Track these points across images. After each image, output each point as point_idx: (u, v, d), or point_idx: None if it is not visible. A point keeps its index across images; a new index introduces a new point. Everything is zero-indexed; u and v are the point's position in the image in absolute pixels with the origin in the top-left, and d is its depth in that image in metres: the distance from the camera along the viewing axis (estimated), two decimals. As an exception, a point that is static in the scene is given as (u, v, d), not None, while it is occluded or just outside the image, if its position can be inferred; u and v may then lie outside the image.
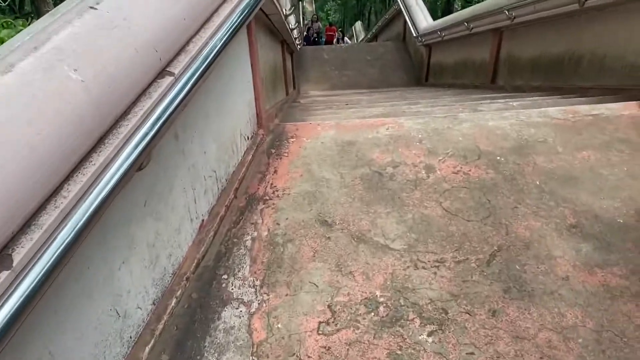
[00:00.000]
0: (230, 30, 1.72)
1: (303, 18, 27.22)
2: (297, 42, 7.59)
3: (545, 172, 2.38)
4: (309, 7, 58.30)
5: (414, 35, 10.25)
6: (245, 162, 2.42)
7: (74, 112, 1.03)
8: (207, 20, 1.70)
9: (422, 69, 10.20)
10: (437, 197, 2.27)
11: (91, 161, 1.09)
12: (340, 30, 22.47)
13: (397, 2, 12.36)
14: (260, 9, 2.69)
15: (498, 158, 2.51)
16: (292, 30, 5.16)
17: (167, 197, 1.64)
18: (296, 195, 2.30)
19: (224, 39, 1.69)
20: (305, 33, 20.76)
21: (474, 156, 2.54)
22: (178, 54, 1.50)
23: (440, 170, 2.44)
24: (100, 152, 1.12)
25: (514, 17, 5.03)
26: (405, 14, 11.29)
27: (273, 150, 2.61)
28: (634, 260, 1.85)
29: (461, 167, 2.46)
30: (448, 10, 27.75)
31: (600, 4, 3.58)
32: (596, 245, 1.92)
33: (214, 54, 1.60)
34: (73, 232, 0.97)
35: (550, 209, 2.16)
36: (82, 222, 1.00)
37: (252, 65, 2.49)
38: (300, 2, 11.83)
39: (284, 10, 3.61)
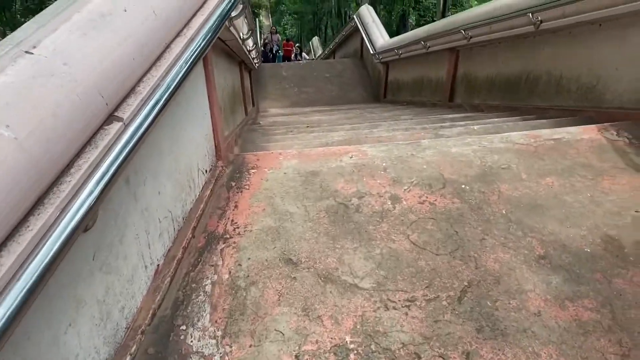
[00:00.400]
0: (185, 66, 1.61)
1: (261, 32, 27.22)
2: (255, 60, 7.49)
3: (511, 200, 2.36)
4: (266, 22, 58.58)
5: (371, 52, 10.34)
6: (204, 198, 2.30)
7: (7, 174, 0.91)
8: (160, 57, 1.58)
9: (380, 86, 10.27)
10: (405, 229, 2.21)
11: (28, 226, 0.96)
12: (298, 46, 22.54)
13: (354, 19, 12.48)
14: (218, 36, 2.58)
15: (463, 186, 2.48)
16: (250, 51, 5.06)
17: (117, 247, 1.51)
18: (259, 232, 2.19)
19: (179, 76, 1.58)
20: (262, 49, 20.70)
21: (439, 185, 2.50)
22: (127, 96, 1.39)
23: (406, 201, 2.39)
24: (38, 214, 0.99)
25: (470, 37, 5.10)
26: (362, 31, 11.40)
27: (233, 183, 2.50)
28: (603, 291, 1.83)
29: (427, 197, 2.41)
30: (403, 24, 28.37)
31: (554, 27, 3.65)
32: (565, 277, 1.90)
33: (168, 94, 1.49)
34: (9, 311, 0.84)
35: (518, 239, 2.13)
36: (18, 300, 0.87)
37: (209, 96, 2.38)
38: (257, 18, 11.74)
39: (241, 34, 3.51)
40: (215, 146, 2.52)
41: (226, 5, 1.89)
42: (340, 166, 2.66)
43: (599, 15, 3.11)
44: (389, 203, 2.38)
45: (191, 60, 1.66)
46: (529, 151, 2.74)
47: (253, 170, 2.62)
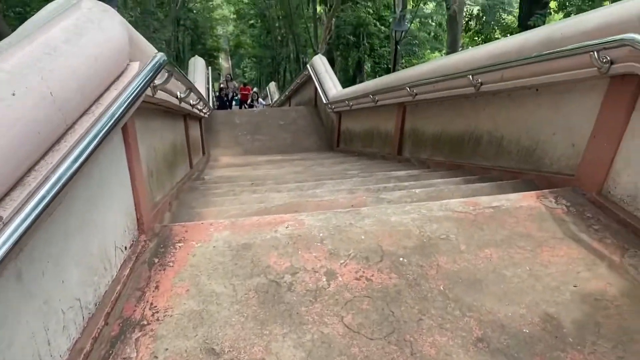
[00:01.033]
0: (91, 147, 1.46)
1: (219, 75, 27.38)
2: (205, 110, 7.38)
3: (450, 275, 2.27)
4: (225, 64, 59.20)
5: (324, 102, 10.42)
6: (122, 278, 2.10)
7: None
8: (59, 140, 1.43)
9: (333, 135, 10.31)
10: (339, 310, 2.07)
11: None
12: (255, 92, 22.70)
13: (307, 68, 12.64)
14: (147, 100, 2.45)
15: (401, 259, 2.38)
16: (194, 105, 4.95)
17: (5, 353, 1.30)
18: (180, 317, 2.00)
19: (81, 159, 1.42)
20: (218, 94, 20.74)
21: (376, 257, 2.39)
22: (12, 189, 1.23)
23: (342, 277, 2.26)
24: None
25: (415, 94, 5.15)
26: (315, 81, 11.53)
27: (156, 260, 2.31)
28: (543, 380, 1.74)
29: (364, 272, 2.29)
30: (359, 71, 29.11)
31: (494, 89, 3.70)
32: (504, 364, 1.80)
33: (63, 181, 1.33)
34: None
35: (456, 319, 2.02)
36: None
37: (130, 168, 2.22)
38: (211, 64, 11.74)
39: (178, 94, 3.40)
40: (138, 219, 2.34)
41: (143, 79, 1.77)
42: (275, 237, 2.52)
43: (535, 81, 3.16)
44: (324, 280, 2.24)
45: (99, 138, 1.51)
46: (468, 220, 2.68)
47: (180, 244, 2.44)
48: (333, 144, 10.30)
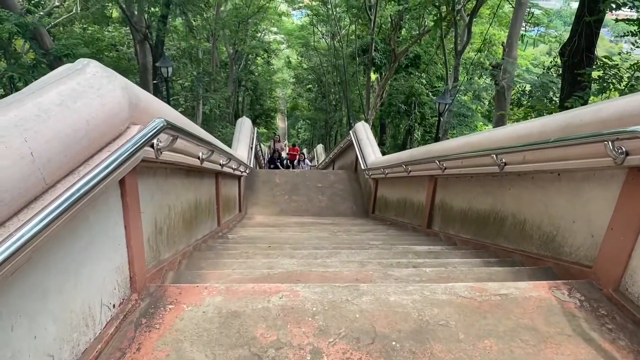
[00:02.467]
0: (63, 206, 1.50)
1: (275, 136, 28.37)
2: (242, 169, 7.56)
3: (442, 365, 2.14)
4: (281, 124, 61.10)
5: (362, 167, 10.48)
6: (105, 336, 2.09)
7: None
8: (35, 199, 1.49)
9: (370, 201, 10.28)
10: (318, 393, 1.98)
11: None
12: (302, 153, 23.35)
13: (350, 134, 12.84)
14: (155, 161, 2.54)
15: (393, 344, 2.27)
16: (223, 165, 5.08)
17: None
18: (154, 384, 1.97)
19: (51, 216, 1.46)
20: (270, 155, 21.73)
21: (367, 339, 2.29)
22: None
23: (327, 357, 2.17)
24: None
25: (445, 168, 5.10)
26: (355, 146, 11.66)
27: (144, 321, 2.30)
28: None
29: (352, 354, 2.19)
30: (410, 139, 29.29)
31: (517, 170, 3.62)
32: None
33: (27, 238, 1.36)
34: None
35: (442, 417, 1.89)
36: None
37: (127, 227, 2.26)
38: (259, 126, 12.12)
39: (200, 154, 3.49)
40: (131, 278, 2.36)
41: (137, 142, 1.83)
42: (267, 308, 2.47)
43: (555, 166, 3.07)
44: (308, 358, 2.16)
45: (77, 197, 1.55)
46: (472, 306, 2.55)
47: (171, 306, 2.43)
48: (369, 210, 10.24)
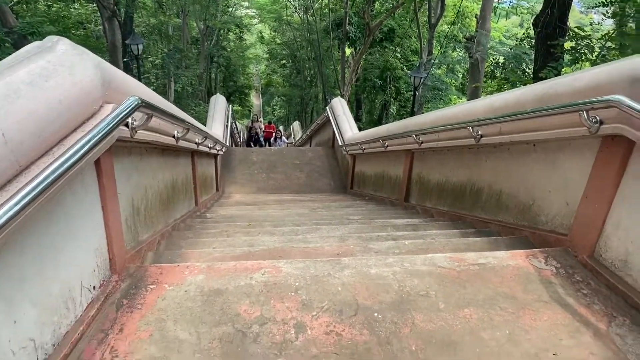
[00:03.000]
0: (39, 188, 1.46)
1: (250, 112, 28.12)
2: (217, 147, 7.48)
3: (424, 334, 2.17)
4: (256, 101, 60.40)
5: (340, 144, 10.47)
6: (86, 319, 2.07)
7: None
8: (10, 181, 1.45)
9: (347, 177, 10.30)
10: (303, 366, 2.00)
11: None
12: (279, 130, 23.20)
13: (327, 110, 12.78)
14: (130, 140, 2.48)
15: (376, 315, 2.30)
16: (199, 143, 5.02)
17: None
18: (138, 364, 1.96)
19: (27, 199, 1.42)
20: (247, 133, 21.67)
21: (350, 311, 2.31)
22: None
23: (311, 330, 2.19)
24: None
25: (421, 142, 5.13)
26: (332, 122, 11.63)
27: (125, 302, 2.28)
28: None
29: (335, 326, 2.22)
30: (385, 114, 29.34)
31: (493, 142, 3.65)
32: None
33: (3, 221, 1.32)
34: None
35: (424, 384, 1.93)
36: None
37: (104, 207, 2.22)
38: (233, 103, 11.96)
39: (175, 133, 3.44)
40: (110, 259, 2.33)
41: (111, 121, 1.79)
42: (250, 285, 2.48)
43: (531, 137, 3.11)
44: (292, 332, 2.17)
45: (53, 178, 1.51)
46: (451, 276, 2.59)
47: (152, 287, 2.41)
48: (347, 186, 10.27)
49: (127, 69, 18.55)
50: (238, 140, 20.27)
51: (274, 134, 22.40)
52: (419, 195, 5.81)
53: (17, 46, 12.55)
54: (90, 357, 1.97)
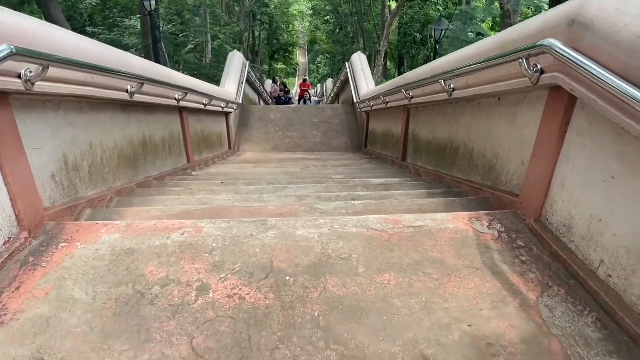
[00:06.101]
0: None
1: (296, 71, 27.80)
2: (222, 105, 7.38)
3: (332, 300, 2.05)
4: (302, 59, 59.71)
5: (355, 100, 10.17)
6: (-16, 276, 2.05)
7: None
8: None
9: (362, 135, 10.04)
10: (193, 329, 1.91)
11: None
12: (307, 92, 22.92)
13: (345, 65, 12.40)
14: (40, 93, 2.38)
15: (287, 278, 2.18)
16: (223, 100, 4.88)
17: None
18: (25, 322, 1.92)
19: None
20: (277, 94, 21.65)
21: (261, 274, 2.20)
22: None
23: (214, 293, 2.09)
24: None
25: (411, 97, 4.86)
26: (350, 78, 11.29)
27: (31, 259, 2.24)
28: None
29: (240, 289, 2.11)
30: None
31: (464, 96, 3.38)
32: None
33: None
34: None
35: (316, 352, 1.81)
36: None
37: (2, 165, 2.14)
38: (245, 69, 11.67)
39: (129, 87, 3.33)
40: (17, 216, 2.27)
41: None
42: (164, 244, 2.39)
43: (490, 89, 2.84)
44: (193, 295, 2.09)
45: None
46: (380, 239, 2.43)
47: (63, 244, 2.36)
48: (362, 145, 10.02)
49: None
50: (266, 97, 20.11)
51: (307, 91, 22.12)
52: (413, 154, 5.56)
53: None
54: (-21, 314, 1.94)
